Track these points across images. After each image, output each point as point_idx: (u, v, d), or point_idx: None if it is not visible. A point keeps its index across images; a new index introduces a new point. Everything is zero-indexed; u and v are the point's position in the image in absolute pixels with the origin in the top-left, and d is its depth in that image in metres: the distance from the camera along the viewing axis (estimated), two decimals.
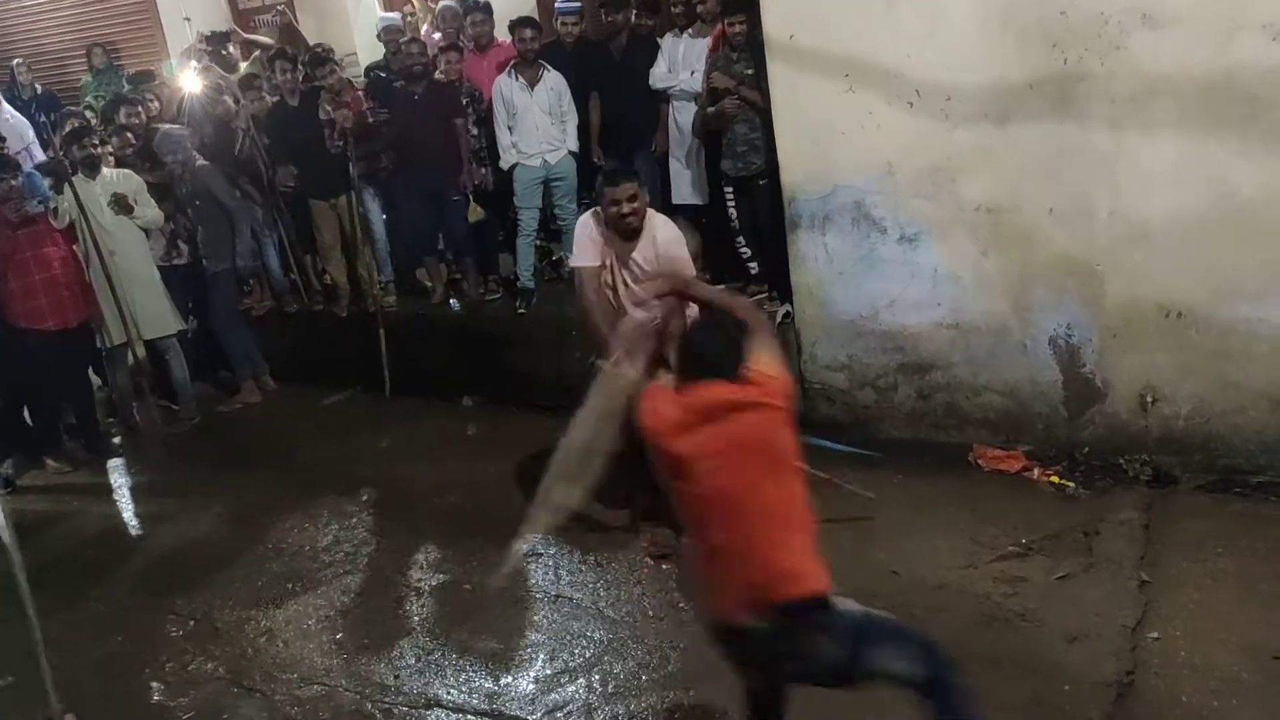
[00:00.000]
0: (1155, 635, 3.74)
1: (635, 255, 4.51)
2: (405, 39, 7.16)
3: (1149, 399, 4.81)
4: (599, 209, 4.54)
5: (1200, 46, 4.33)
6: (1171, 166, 4.50)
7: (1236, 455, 4.68)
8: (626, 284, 4.56)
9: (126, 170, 6.92)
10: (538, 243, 6.96)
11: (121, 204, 6.60)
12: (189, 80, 7.71)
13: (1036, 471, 4.97)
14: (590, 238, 4.56)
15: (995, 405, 5.20)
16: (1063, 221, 4.77)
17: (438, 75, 6.78)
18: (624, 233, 4.48)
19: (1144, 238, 4.63)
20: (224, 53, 8.33)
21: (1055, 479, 4.90)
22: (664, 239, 4.48)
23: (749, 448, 2.75)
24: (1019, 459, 5.07)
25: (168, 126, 7.21)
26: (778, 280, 5.82)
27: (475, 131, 6.81)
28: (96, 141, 6.92)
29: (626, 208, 4.39)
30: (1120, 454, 4.89)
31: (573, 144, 6.58)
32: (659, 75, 6.34)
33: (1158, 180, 4.54)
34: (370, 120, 6.95)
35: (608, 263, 4.58)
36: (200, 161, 6.95)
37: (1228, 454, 4.69)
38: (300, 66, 7.28)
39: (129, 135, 7.23)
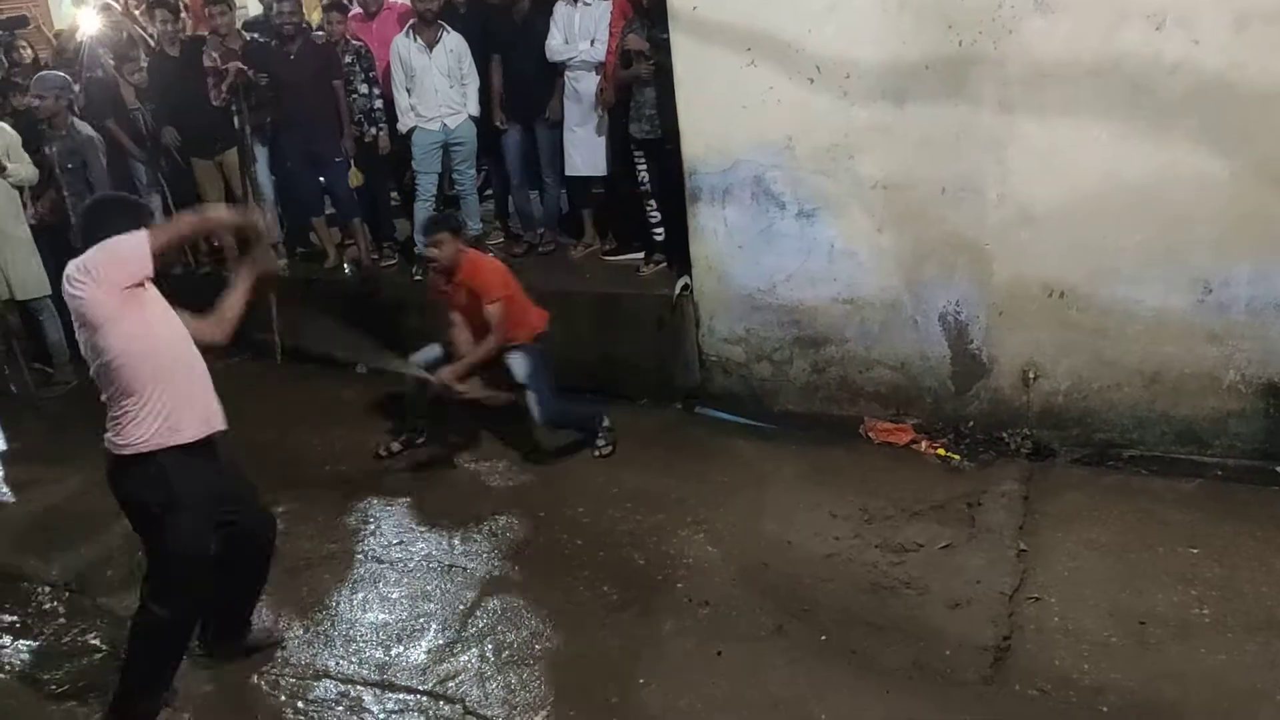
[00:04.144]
0: (1032, 601, 3.88)
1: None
2: None
3: (1031, 375, 4.97)
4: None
5: (1088, 33, 4.45)
6: (1058, 150, 4.63)
7: (1111, 430, 4.88)
8: None
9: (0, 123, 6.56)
10: (435, 210, 6.84)
11: None
12: (89, 20, 7.33)
13: (924, 444, 5.11)
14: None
15: (886, 379, 5.31)
16: (955, 201, 4.88)
17: (316, 34, 6.60)
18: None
19: (1030, 219, 4.77)
20: None
21: (942, 451, 5.04)
22: None
23: None
24: (908, 432, 5.20)
25: (47, 71, 6.86)
26: (677, 252, 5.83)
27: (365, 91, 6.65)
28: None
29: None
30: (1003, 428, 5.05)
31: (473, 108, 6.47)
32: (555, 48, 6.23)
33: (1045, 163, 4.67)
34: (252, 76, 6.73)
35: None
36: (80, 123, 6.59)
37: (1103, 428, 4.89)
38: (181, 18, 6.98)
39: None
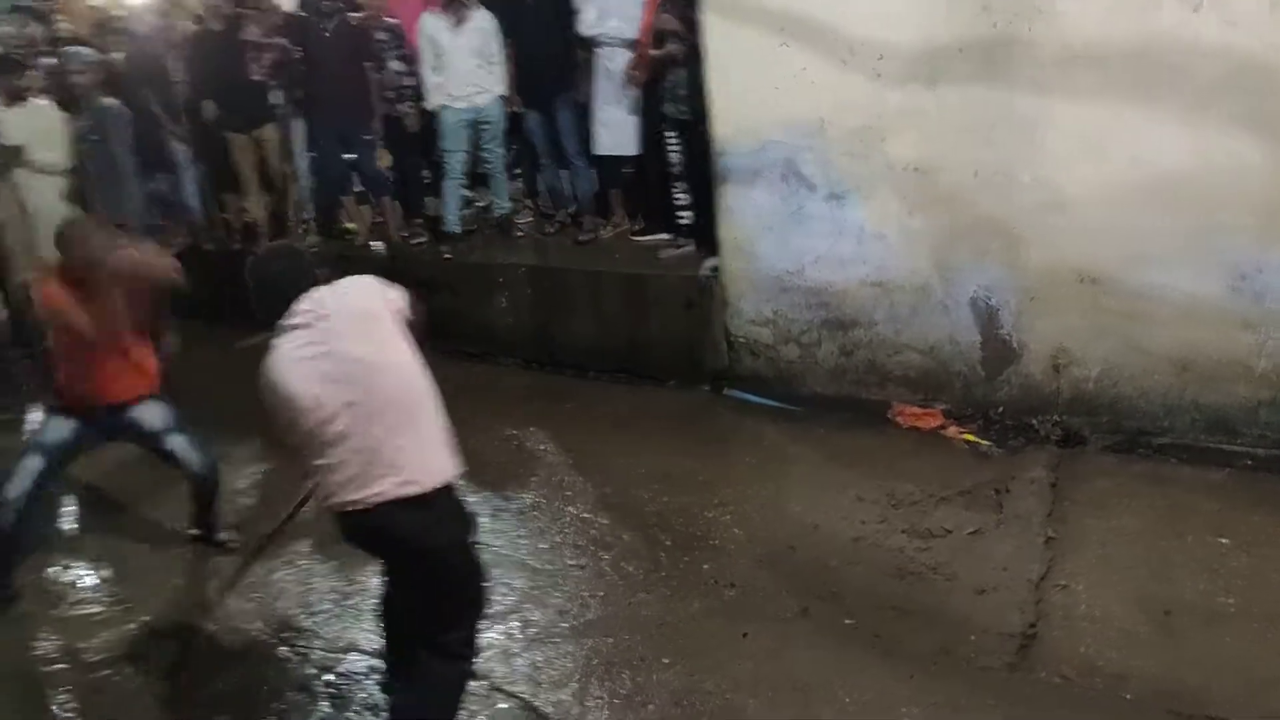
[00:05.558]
0: (1059, 588, 3.87)
1: None
2: None
3: (1062, 361, 4.94)
4: None
5: (1124, 14, 4.39)
6: (1092, 134, 4.58)
7: (1142, 417, 4.84)
8: None
9: (41, 103, 6.57)
10: (464, 191, 6.87)
11: (9, 157, 6.27)
12: None
13: (953, 429, 5.09)
14: None
15: (915, 364, 5.29)
16: (987, 185, 4.84)
17: (352, 14, 6.61)
18: None
19: (1063, 203, 4.72)
20: None
21: (970, 437, 5.02)
22: None
23: None
24: (936, 417, 5.18)
25: (77, 47, 6.91)
26: (705, 233, 5.82)
27: (401, 68, 6.65)
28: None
29: None
30: (1033, 414, 5.02)
31: (502, 88, 6.46)
32: (588, 22, 6.19)
33: (1078, 147, 4.62)
34: (290, 52, 6.75)
35: None
36: (108, 100, 6.60)
37: (1134, 416, 4.85)
38: None
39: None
